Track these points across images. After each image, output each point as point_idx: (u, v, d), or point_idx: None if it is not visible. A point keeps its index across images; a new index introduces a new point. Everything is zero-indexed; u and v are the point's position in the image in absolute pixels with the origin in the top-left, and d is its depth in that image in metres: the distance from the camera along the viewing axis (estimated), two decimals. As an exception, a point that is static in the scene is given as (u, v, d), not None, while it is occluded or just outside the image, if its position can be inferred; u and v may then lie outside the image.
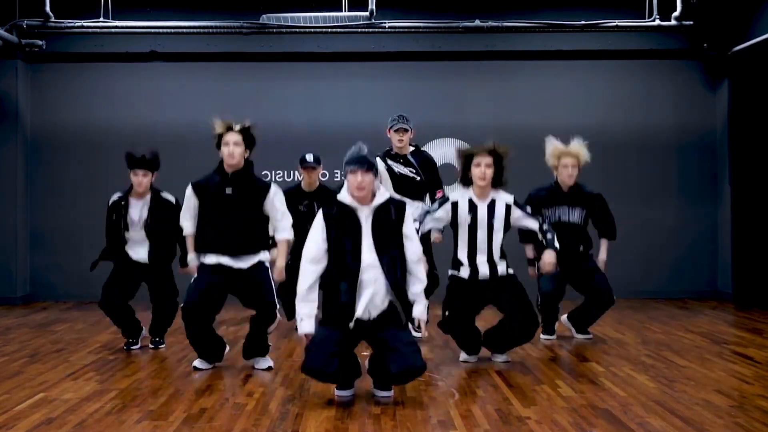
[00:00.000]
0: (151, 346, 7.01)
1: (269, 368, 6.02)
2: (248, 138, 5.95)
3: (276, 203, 5.99)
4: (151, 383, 5.60)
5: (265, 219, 6.04)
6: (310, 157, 7.85)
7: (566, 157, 7.16)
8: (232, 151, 5.86)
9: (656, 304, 9.73)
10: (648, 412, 4.77)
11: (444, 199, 6.13)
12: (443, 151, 10.10)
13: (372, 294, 4.98)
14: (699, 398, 5.10)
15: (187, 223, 6.06)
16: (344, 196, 5.10)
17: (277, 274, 6.05)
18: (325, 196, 7.35)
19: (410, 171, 7.37)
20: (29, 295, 10.34)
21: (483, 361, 6.25)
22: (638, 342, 7.11)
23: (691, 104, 10.54)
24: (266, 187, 6.00)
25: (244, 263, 5.90)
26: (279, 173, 10.45)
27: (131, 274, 6.91)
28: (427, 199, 7.43)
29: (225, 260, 5.88)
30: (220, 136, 5.94)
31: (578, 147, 7.23)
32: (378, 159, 6.91)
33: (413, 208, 6.52)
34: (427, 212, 6.14)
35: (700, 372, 5.88)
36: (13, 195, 10.23)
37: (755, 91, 9.63)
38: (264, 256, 6.03)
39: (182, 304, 5.92)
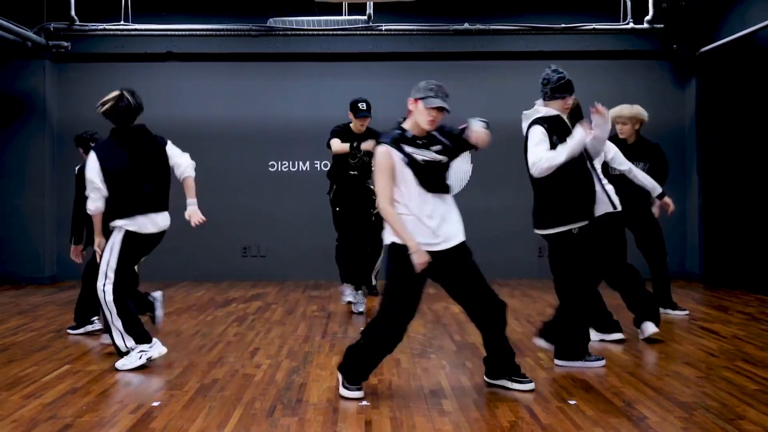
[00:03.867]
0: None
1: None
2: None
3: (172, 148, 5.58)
4: (167, 356, 5.55)
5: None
6: (363, 106, 7.49)
7: (617, 122, 7.00)
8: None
9: (629, 284, 9.70)
10: (622, 382, 4.75)
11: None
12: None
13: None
14: (669, 369, 5.08)
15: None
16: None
17: (196, 216, 5.34)
18: (370, 136, 7.22)
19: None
20: (56, 275, 10.30)
21: (471, 336, 6.21)
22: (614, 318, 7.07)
23: (662, 101, 10.48)
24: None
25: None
26: (284, 164, 10.43)
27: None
28: None
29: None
30: None
31: (629, 111, 7.09)
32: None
33: None
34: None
35: (670, 345, 5.86)
36: (42, 184, 10.18)
37: (721, 89, 9.58)
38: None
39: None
